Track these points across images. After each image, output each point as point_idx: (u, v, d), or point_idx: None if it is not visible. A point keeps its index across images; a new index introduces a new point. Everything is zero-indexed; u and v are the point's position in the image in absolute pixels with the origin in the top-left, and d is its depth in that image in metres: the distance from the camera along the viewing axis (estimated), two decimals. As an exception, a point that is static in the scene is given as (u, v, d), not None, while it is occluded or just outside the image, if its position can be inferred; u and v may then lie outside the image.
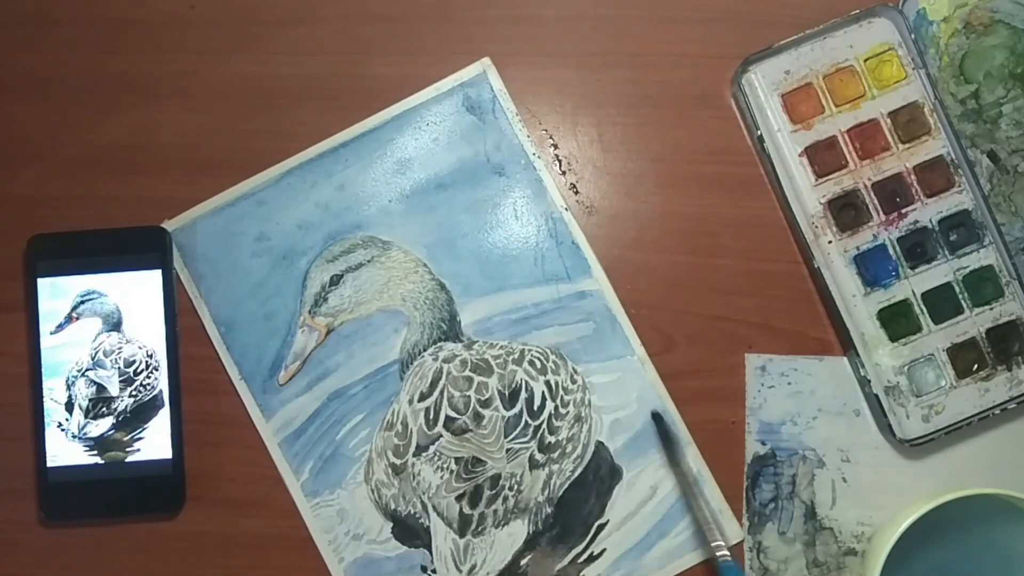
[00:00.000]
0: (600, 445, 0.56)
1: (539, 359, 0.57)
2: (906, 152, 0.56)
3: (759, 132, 0.56)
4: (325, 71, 0.58)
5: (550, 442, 0.56)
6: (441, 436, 0.56)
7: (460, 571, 0.56)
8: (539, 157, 0.57)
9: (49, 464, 0.56)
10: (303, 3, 0.58)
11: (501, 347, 0.57)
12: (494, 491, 0.56)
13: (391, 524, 0.56)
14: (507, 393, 0.56)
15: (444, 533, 0.56)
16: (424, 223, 0.57)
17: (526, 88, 0.58)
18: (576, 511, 0.56)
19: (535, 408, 0.56)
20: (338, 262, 0.57)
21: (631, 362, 0.57)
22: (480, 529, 0.56)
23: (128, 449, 0.56)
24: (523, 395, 0.56)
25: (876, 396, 0.55)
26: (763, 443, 0.57)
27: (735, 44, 0.57)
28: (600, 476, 0.56)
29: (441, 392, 0.56)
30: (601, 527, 0.56)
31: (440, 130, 0.58)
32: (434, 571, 0.56)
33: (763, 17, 0.58)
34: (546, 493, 0.56)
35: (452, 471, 0.56)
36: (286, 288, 0.57)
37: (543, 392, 0.56)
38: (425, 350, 0.57)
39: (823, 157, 0.56)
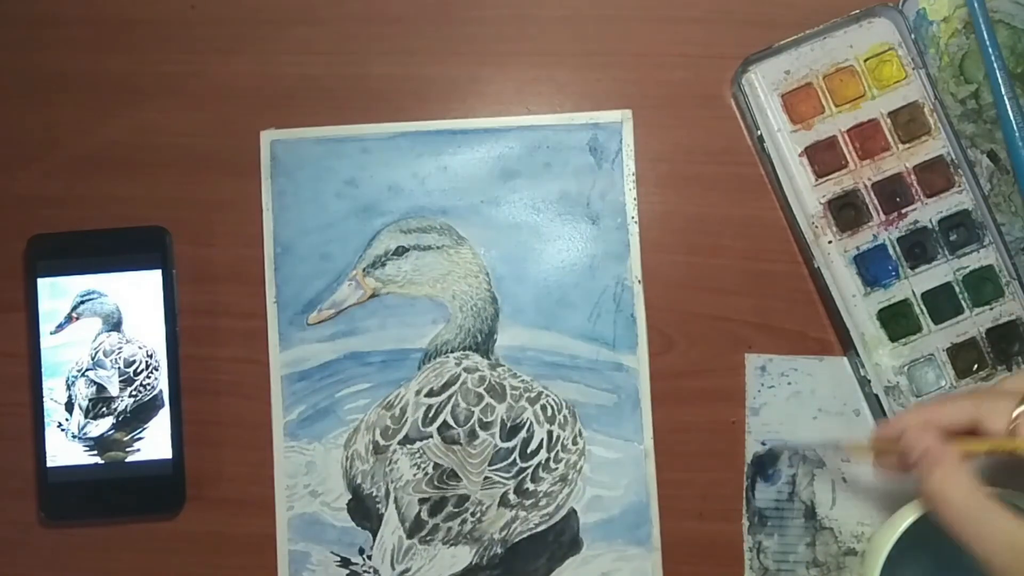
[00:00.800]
0: (572, 512, 0.56)
1: (552, 408, 0.56)
2: (906, 152, 0.56)
3: (759, 132, 0.56)
4: (325, 71, 0.58)
5: (528, 489, 0.56)
6: (431, 437, 0.56)
7: (394, 569, 0.56)
8: (636, 222, 0.57)
9: (49, 464, 0.56)
10: (303, 3, 0.58)
11: (522, 381, 0.57)
12: (457, 510, 0.56)
13: (350, 497, 0.56)
14: (509, 425, 0.56)
15: (394, 527, 0.56)
16: (504, 235, 0.57)
17: (526, 88, 0.58)
18: (524, 563, 0.56)
19: (528, 451, 0.56)
20: (410, 236, 0.57)
21: (636, 449, 0.56)
22: (429, 539, 0.56)
23: (128, 449, 0.56)
24: (523, 434, 0.56)
25: (876, 396, 0.55)
26: (763, 443, 0.57)
27: (735, 44, 0.57)
28: (560, 541, 0.56)
29: (449, 397, 0.56)
30: None
31: (556, 157, 0.57)
32: (369, 557, 0.56)
33: (763, 17, 0.58)
34: (503, 534, 0.56)
35: (427, 474, 0.56)
36: (353, 238, 0.57)
37: (543, 439, 0.56)
38: (452, 352, 0.57)
39: (823, 157, 0.56)
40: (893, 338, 0.55)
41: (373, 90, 0.58)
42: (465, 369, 0.57)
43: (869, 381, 0.55)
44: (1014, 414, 0.44)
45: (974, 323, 0.55)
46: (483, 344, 0.57)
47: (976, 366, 0.55)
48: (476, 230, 0.57)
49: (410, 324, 0.57)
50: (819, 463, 0.56)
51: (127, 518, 0.56)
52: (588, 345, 0.57)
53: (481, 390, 0.56)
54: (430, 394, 0.57)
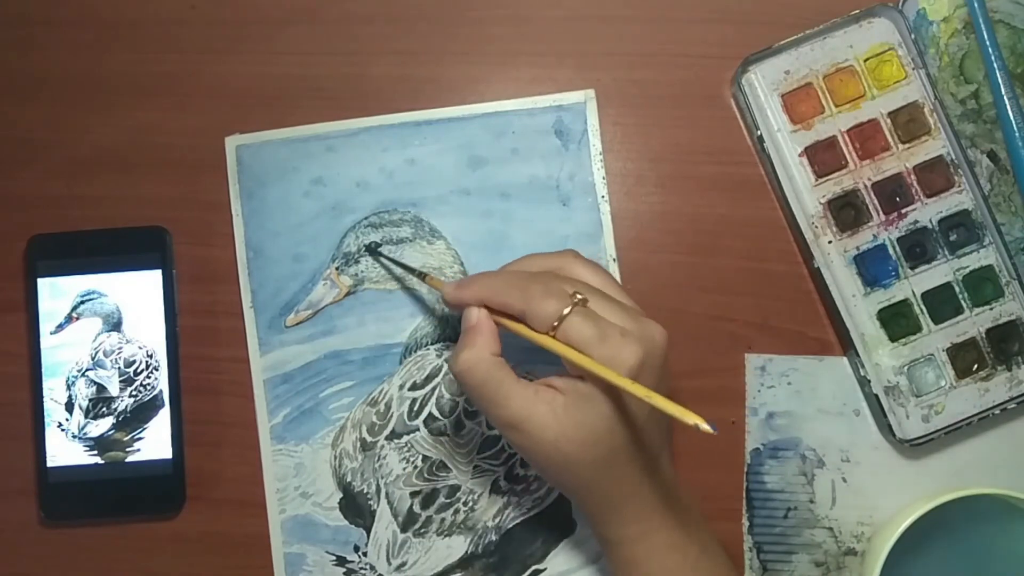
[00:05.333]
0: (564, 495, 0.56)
1: None
2: (906, 152, 0.56)
3: (759, 132, 0.56)
4: (325, 71, 0.58)
5: (519, 474, 0.56)
6: (418, 430, 0.56)
7: (390, 564, 0.56)
8: (606, 200, 0.57)
9: (49, 464, 0.56)
10: (303, 3, 0.58)
11: None
12: (449, 500, 0.56)
13: (341, 495, 0.56)
14: None
15: (388, 522, 0.56)
16: (475, 224, 0.57)
17: (526, 88, 0.58)
18: (519, 548, 0.56)
19: None
20: (381, 230, 0.57)
21: None
22: (423, 531, 0.56)
23: (128, 449, 0.56)
24: None
25: (876, 396, 0.55)
26: (763, 443, 0.57)
27: (735, 44, 0.57)
28: (553, 524, 0.56)
29: (433, 389, 0.56)
30: (537, 572, 0.56)
31: (522, 142, 0.57)
32: (365, 554, 0.56)
33: (763, 17, 0.58)
34: (497, 520, 0.56)
35: (416, 467, 0.56)
36: (324, 237, 0.57)
37: None
38: (432, 344, 0.57)
39: (823, 157, 0.56)
40: (893, 338, 0.55)
41: (372, 90, 0.58)
42: (447, 360, 0.57)
43: (869, 381, 0.55)
44: (555, 320, 0.44)
45: (974, 323, 0.55)
46: None
47: (976, 366, 0.55)
48: (447, 220, 0.57)
49: (388, 319, 0.57)
50: (819, 463, 0.56)
51: (127, 518, 0.56)
52: None
53: None
54: (414, 387, 0.57)
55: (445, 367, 0.57)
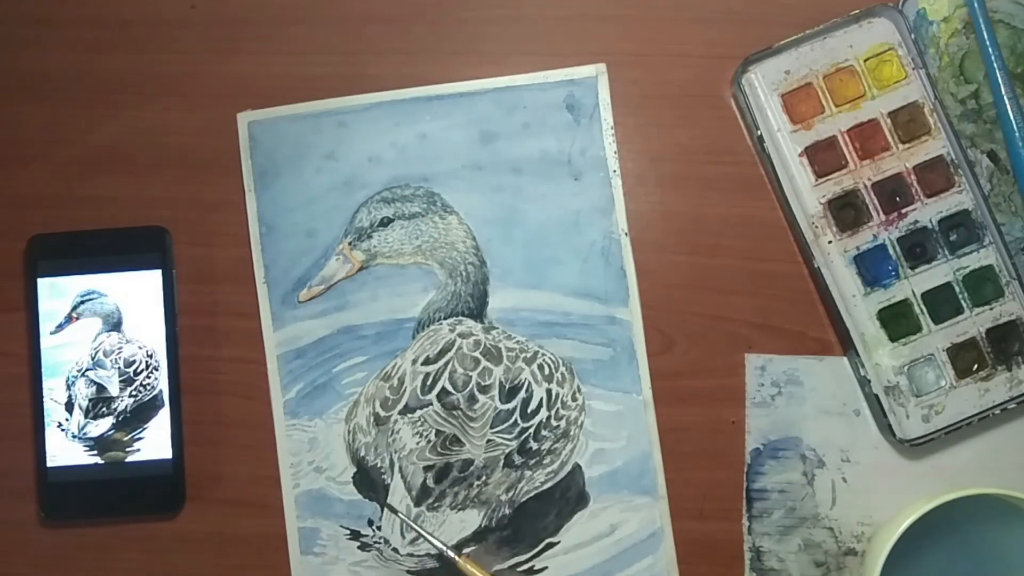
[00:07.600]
0: (577, 468, 0.56)
1: (549, 366, 0.57)
2: (906, 152, 0.56)
3: (759, 132, 0.56)
4: (325, 71, 0.58)
5: (531, 448, 0.56)
6: (431, 404, 0.56)
7: (403, 538, 0.56)
8: (618, 175, 0.57)
9: (49, 464, 0.56)
10: (303, 3, 0.58)
11: (517, 342, 0.57)
12: (462, 474, 0.56)
13: (355, 470, 0.57)
14: (507, 387, 0.56)
15: (401, 496, 0.56)
16: (487, 199, 0.57)
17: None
18: (533, 521, 0.56)
19: (529, 411, 0.56)
20: (393, 205, 0.57)
21: (635, 400, 0.56)
22: (436, 505, 0.56)
23: (128, 449, 0.56)
24: (522, 394, 0.56)
25: (876, 396, 0.55)
26: (763, 443, 0.57)
27: (735, 44, 0.57)
28: (567, 497, 0.56)
29: (446, 364, 0.57)
30: (551, 545, 0.56)
31: (533, 117, 0.57)
32: (379, 528, 0.56)
33: (763, 17, 0.58)
34: (510, 494, 0.56)
35: (430, 441, 0.56)
36: (336, 213, 0.57)
37: (542, 398, 0.56)
38: (445, 318, 0.57)
39: (823, 157, 0.56)
40: (893, 338, 0.55)
41: (373, 90, 0.58)
42: (459, 334, 0.57)
43: (869, 381, 0.55)
44: None
45: (974, 323, 0.55)
46: (475, 308, 0.57)
47: (976, 366, 0.55)
48: (459, 195, 0.57)
49: (401, 294, 0.57)
50: (819, 463, 0.56)
51: (127, 518, 0.56)
52: (580, 301, 0.57)
53: (477, 354, 0.57)
54: (426, 362, 0.57)
55: (458, 341, 0.57)
